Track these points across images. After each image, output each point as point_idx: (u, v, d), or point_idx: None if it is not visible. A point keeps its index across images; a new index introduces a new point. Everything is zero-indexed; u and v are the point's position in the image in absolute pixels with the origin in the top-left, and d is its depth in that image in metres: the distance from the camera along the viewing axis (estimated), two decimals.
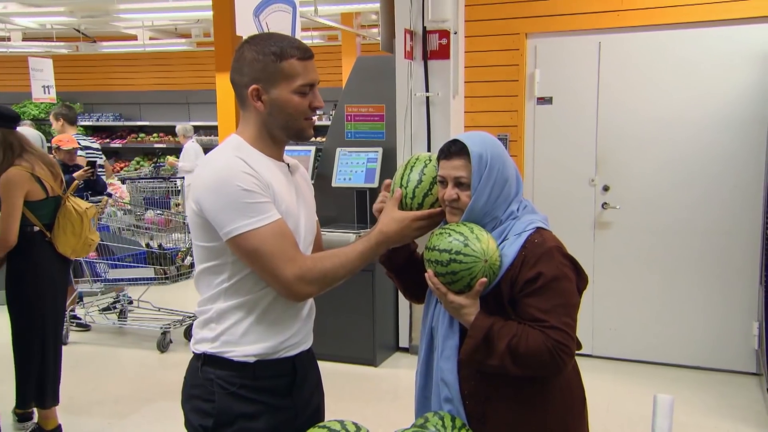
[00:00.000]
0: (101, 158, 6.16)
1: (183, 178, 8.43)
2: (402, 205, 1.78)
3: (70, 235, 3.54)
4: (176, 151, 9.89)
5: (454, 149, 1.72)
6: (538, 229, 1.71)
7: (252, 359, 1.70)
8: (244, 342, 1.70)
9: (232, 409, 1.70)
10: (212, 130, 11.50)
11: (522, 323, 1.63)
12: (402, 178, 1.80)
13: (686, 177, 4.52)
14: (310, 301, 1.84)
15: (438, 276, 1.67)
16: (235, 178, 1.61)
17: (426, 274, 1.70)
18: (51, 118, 5.90)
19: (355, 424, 1.56)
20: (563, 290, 1.65)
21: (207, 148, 8.97)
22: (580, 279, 1.72)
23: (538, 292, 1.63)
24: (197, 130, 12.01)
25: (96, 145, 6.30)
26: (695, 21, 4.39)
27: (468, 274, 1.63)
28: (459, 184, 1.71)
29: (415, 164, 1.82)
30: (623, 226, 4.70)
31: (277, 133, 1.74)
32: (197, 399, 1.73)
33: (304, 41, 1.83)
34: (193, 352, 1.77)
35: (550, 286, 1.63)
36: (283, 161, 1.80)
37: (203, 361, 1.73)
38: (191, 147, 9.00)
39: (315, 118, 1.77)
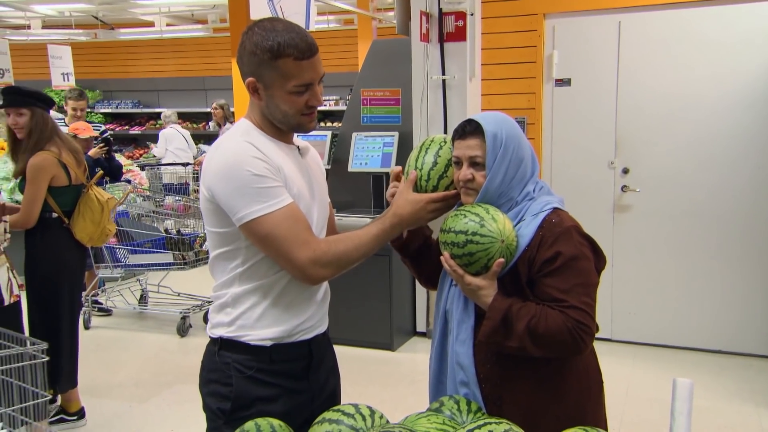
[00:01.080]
0: None
1: (188, 164, 8.47)
2: (417, 188, 1.76)
3: (89, 222, 3.56)
4: (196, 138, 10.00)
5: (469, 129, 1.70)
6: (555, 209, 1.69)
7: (268, 343, 1.70)
8: (260, 326, 1.70)
9: (250, 393, 1.70)
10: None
11: (541, 304, 1.62)
12: (417, 160, 1.79)
13: (707, 158, 4.44)
14: (325, 285, 1.83)
15: (454, 258, 1.66)
16: (245, 163, 1.60)
17: (442, 257, 1.69)
18: (75, 101, 5.59)
19: (369, 407, 1.55)
20: (582, 270, 1.63)
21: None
22: (598, 259, 1.70)
23: (557, 272, 1.62)
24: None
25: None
26: None
27: (485, 255, 1.61)
28: (474, 163, 1.69)
29: (430, 146, 1.80)
30: (643, 210, 4.64)
31: (277, 123, 1.72)
32: (215, 383, 1.74)
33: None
34: (210, 337, 1.78)
35: (568, 266, 1.61)
36: (293, 144, 1.79)
37: (220, 346, 1.74)
38: (162, 134, 9.29)
39: (315, 112, 1.73)
